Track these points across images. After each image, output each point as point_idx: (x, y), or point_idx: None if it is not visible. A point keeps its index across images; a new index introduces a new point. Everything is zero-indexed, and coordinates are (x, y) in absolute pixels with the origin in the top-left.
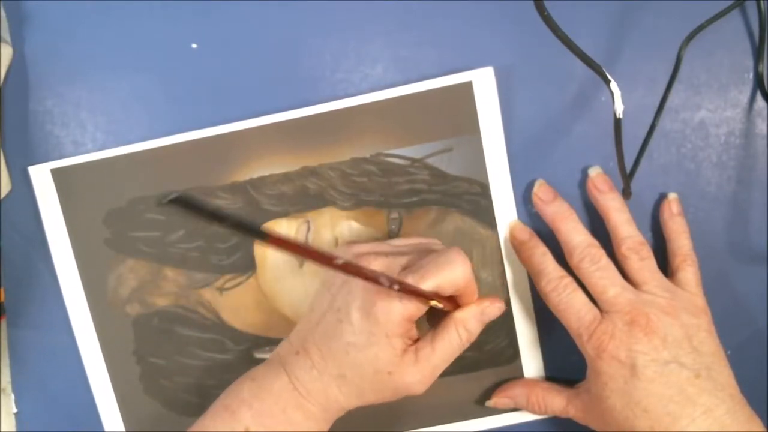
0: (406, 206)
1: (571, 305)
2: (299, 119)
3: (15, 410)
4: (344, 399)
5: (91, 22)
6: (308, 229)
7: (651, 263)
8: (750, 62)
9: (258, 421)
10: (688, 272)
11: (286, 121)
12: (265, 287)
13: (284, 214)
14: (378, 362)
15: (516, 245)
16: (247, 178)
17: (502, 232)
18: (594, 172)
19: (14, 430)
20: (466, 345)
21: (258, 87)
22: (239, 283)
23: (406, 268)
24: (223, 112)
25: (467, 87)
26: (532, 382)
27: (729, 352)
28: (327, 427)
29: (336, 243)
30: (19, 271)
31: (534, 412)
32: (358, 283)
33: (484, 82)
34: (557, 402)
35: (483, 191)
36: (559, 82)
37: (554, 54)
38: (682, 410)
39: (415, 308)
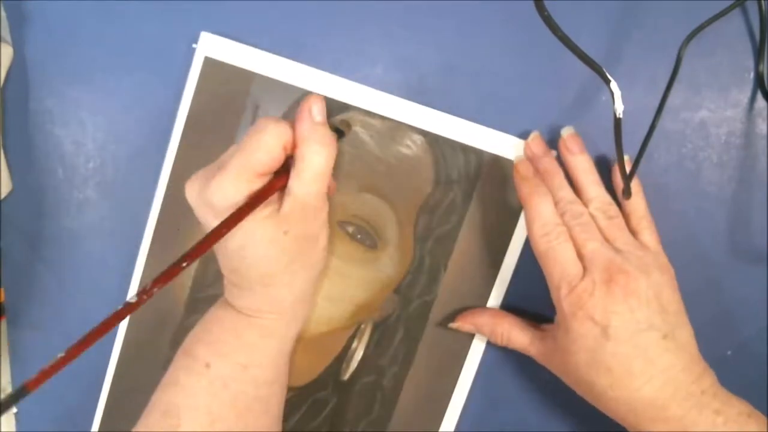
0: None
1: (558, 254)
2: None
3: (15, 410)
4: (288, 288)
5: (91, 23)
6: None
7: (619, 222)
8: (750, 62)
9: (215, 352)
10: (648, 233)
11: None
12: None
13: None
14: (269, 238)
15: (518, 180)
16: None
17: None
18: (567, 132)
19: (14, 430)
20: (334, 151)
21: None
22: None
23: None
24: None
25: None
26: (500, 314)
27: (729, 353)
28: (293, 333)
29: None
30: (19, 271)
31: (496, 343)
32: (200, 211)
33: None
34: (521, 339)
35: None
36: (559, 82)
37: (554, 54)
38: (642, 369)
39: (247, 186)
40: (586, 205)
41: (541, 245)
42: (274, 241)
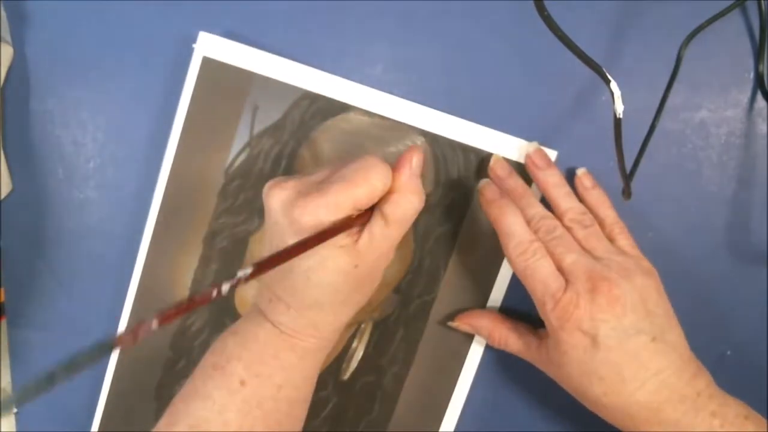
0: None
1: (537, 271)
2: None
3: (15, 410)
4: (333, 317)
5: (91, 22)
6: None
7: (596, 230)
8: (750, 62)
9: (251, 371)
10: (622, 238)
11: None
12: None
13: None
14: (339, 268)
15: (484, 204)
16: None
17: None
18: (532, 148)
19: (14, 430)
20: (422, 204)
21: None
22: None
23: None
24: None
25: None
26: (499, 318)
27: (729, 353)
28: (325, 355)
29: None
30: (19, 271)
31: (493, 345)
32: (279, 219)
33: None
34: (517, 345)
35: None
36: (559, 82)
37: (554, 54)
38: (634, 374)
39: (339, 216)
40: (561, 217)
41: (518, 264)
42: (342, 272)
